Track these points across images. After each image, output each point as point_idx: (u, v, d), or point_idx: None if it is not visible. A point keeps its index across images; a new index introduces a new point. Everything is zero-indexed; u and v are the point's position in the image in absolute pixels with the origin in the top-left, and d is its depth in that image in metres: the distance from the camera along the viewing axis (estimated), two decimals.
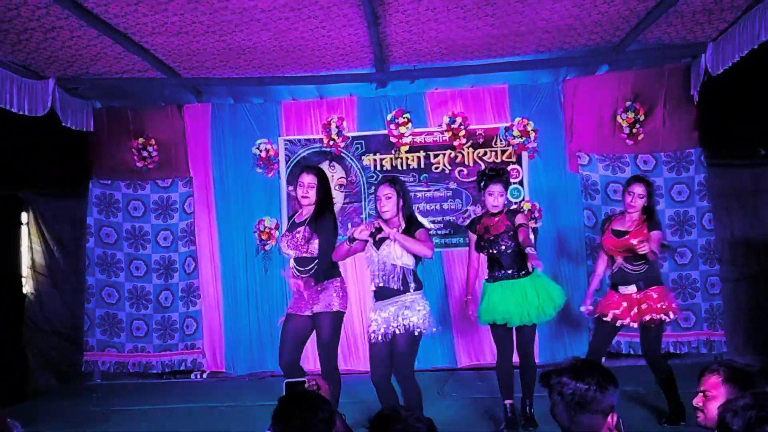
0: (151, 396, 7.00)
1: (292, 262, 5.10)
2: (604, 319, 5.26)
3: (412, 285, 4.67)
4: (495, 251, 5.19)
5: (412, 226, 4.69)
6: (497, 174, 5.21)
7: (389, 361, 4.73)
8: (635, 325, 5.21)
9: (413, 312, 4.63)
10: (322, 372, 4.92)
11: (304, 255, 5.01)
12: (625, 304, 5.21)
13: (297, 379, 2.91)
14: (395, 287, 4.66)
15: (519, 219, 5.21)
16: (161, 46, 6.05)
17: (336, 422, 2.78)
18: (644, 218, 5.25)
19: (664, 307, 5.14)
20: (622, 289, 5.24)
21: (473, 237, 5.36)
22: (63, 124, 6.82)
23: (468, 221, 5.79)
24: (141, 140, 7.75)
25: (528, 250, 4.97)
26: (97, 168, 7.84)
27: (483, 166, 7.36)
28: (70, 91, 6.98)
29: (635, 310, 5.17)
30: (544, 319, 5.26)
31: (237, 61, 6.56)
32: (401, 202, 4.74)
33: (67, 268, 7.93)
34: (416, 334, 4.62)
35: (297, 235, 5.01)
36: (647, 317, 5.12)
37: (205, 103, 7.82)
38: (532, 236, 5.27)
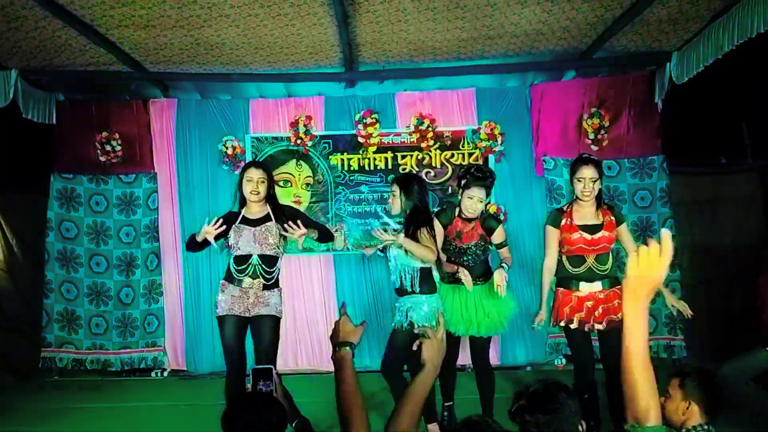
0: (111, 394, 6.90)
1: (255, 260, 4.82)
2: (572, 326, 4.64)
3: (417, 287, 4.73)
4: (462, 260, 4.94)
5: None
6: (484, 177, 4.83)
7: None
8: (601, 326, 4.57)
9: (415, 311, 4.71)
10: None
11: (270, 254, 4.88)
12: (589, 303, 4.60)
13: (264, 366, 2.86)
14: (405, 287, 4.78)
15: (500, 235, 4.98)
16: (127, 39, 5.98)
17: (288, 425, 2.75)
18: (605, 207, 4.73)
19: None
20: (585, 287, 4.63)
21: (441, 230, 4.90)
22: (24, 116, 6.71)
23: (439, 209, 5.26)
24: (105, 134, 7.63)
25: (500, 276, 4.78)
26: (59, 161, 7.70)
27: (450, 168, 7.43)
28: (33, 82, 6.87)
29: (600, 309, 4.57)
30: (493, 333, 4.99)
31: (204, 57, 6.51)
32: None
33: (26, 262, 7.79)
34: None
35: (267, 233, 4.85)
36: (618, 316, 4.45)
37: (171, 98, 7.73)
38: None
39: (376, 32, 6.00)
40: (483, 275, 5.00)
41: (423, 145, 7.53)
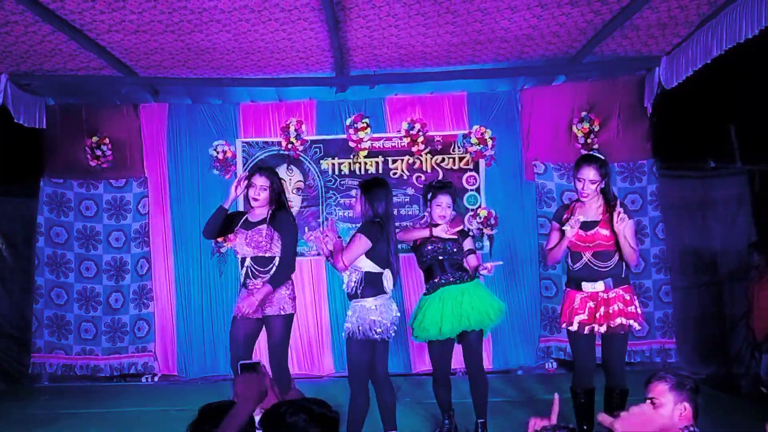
0: (101, 399, 6.86)
1: (248, 262, 4.92)
2: (571, 329, 4.57)
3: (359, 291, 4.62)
4: (441, 251, 4.97)
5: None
6: (445, 185, 5.11)
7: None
8: (602, 329, 4.47)
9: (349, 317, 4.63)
10: (272, 374, 4.83)
11: (263, 255, 4.92)
12: (591, 304, 4.51)
13: (252, 361, 2.82)
14: (351, 291, 4.67)
15: (468, 243, 5.11)
16: (118, 44, 5.96)
17: None
18: (609, 204, 4.61)
19: (633, 311, 4.48)
20: (587, 286, 4.55)
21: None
22: (15, 120, 6.68)
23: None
24: (95, 139, 7.62)
25: (481, 269, 4.92)
26: (49, 166, 7.68)
27: (441, 173, 7.44)
28: (23, 87, 6.84)
29: (602, 311, 4.47)
30: (484, 326, 4.94)
31: (195, 62, 6.50)
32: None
33: (16, 267, 7.76)
34: (348, 337, 4.59)
35: (257, 235, 4.91)
36: (617, 321, 4.45)
37: (162, 102, 7.71)
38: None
39: (366, 37, 6.00)
40: (462, 276, 4.98)
41: (414, 149, 7.55)
